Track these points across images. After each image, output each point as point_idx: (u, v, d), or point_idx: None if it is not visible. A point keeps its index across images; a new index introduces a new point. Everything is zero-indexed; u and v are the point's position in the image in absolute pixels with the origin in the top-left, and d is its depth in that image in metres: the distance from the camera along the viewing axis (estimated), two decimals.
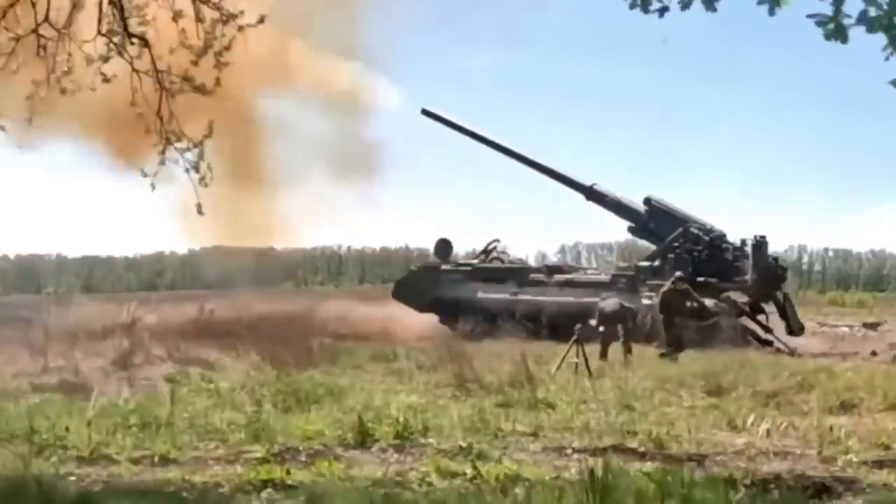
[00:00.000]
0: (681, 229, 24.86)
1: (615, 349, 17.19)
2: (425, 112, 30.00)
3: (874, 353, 20.58)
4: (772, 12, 5.00)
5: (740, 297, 24.37)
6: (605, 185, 27.50)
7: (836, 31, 4.66)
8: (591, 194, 27.41)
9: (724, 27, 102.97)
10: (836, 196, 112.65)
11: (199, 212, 7.78)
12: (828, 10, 4.70)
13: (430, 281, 26.74)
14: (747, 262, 24.36)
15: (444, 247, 29.13)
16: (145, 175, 7.67)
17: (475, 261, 28.34)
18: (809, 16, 4.72)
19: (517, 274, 26.48)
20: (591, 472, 6.21)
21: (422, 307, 26.29)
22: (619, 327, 17.67)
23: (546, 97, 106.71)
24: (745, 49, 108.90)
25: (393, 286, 28.08)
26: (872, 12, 4.60)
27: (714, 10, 5.19)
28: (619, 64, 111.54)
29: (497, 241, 28.80)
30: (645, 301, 21.33)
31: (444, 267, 27.52)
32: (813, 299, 51.30)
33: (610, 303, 18.60)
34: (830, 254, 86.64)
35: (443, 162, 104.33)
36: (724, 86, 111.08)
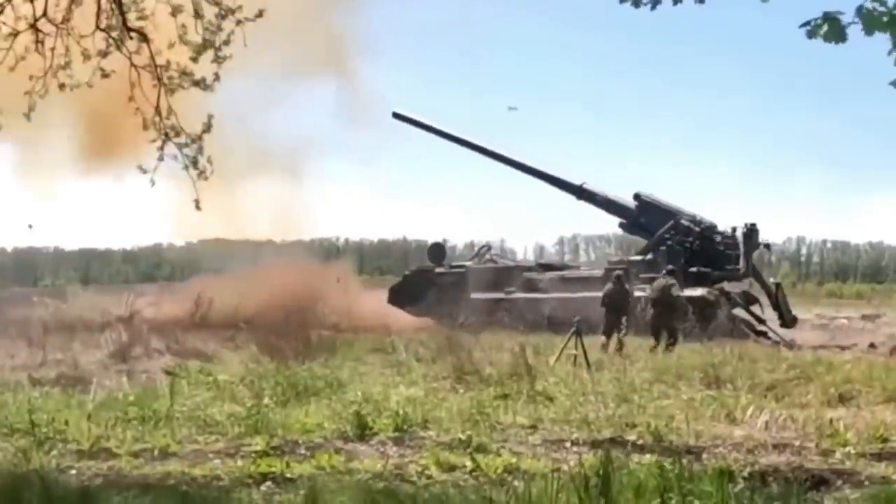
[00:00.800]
0: (672, 221, 24.89)
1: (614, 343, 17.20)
2: (396, 115, 29.91)
3: (872, 346, 20.58)
4: None
5: (733, 288, 24.37)
6: (594, 184, 27.67)
7: (831, 32, 4.61)
8: (582, 193, 27.59)
9: (719, 15, 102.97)
10: (834, 187, 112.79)
11: (198, 207, 7.77)
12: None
13: (425, 285, 26.80)
14: (738, 250, 24.45)
15: (437, 250, 29.66)
16: (144, 171, 7.66)
17: (469, 262, 28.49)
18: (802, 25, 4.67)
19: (511, 273, 26.58)
20: (590, 464, 6.23)
21: (418, 312, 26.14)
22: (623, 320, 17.71)
23: (543, 91, 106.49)
24: (742, 41, 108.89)
25: (388, 293, 27.96)
26: (870, 7, 4.52)
27: (702, 1, 5.23)
28: (616, 52, 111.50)
29: (488, 245, 30.62)
30: (638, 293, 21.37)
31: (438, 270, 27.62)
32: (811, 291, 51.37)
33: (611, 286, 19.03)
34: (829, 245, 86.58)
35: (440, 152, 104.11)
36: (721, 79, 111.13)
